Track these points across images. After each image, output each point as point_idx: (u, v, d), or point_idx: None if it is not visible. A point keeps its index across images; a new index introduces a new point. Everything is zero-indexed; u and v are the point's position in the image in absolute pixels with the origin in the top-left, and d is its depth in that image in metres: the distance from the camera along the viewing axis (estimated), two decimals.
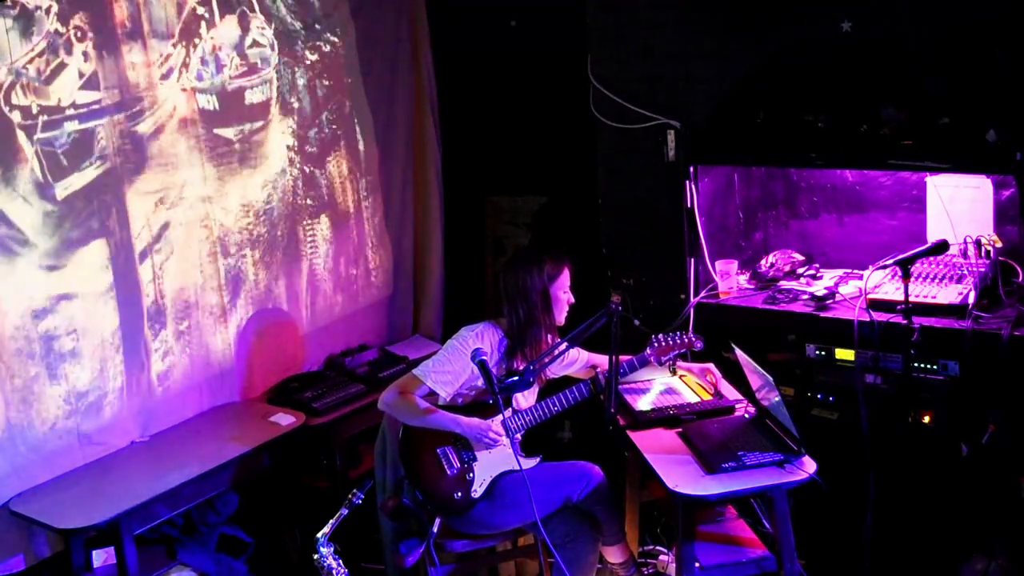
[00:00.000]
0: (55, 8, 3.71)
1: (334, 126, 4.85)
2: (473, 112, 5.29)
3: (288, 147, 4.63)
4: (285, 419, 4.25)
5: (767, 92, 4.17)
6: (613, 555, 3.68)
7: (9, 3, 3.56)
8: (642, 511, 4.05)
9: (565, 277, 3.64)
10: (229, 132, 4.37)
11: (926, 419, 3.64)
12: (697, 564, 3.38)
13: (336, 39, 4.80)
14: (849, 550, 3.76)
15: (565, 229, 5.11)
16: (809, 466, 3.24)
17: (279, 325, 4.68)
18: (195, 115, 4.23)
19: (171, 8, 4.10)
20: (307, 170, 4.73)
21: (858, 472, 3.62)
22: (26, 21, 3.63)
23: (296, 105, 4.65)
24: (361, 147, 5.00)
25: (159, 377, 4.20)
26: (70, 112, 3.79)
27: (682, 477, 3.23)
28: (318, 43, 4.71)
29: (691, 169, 4.08)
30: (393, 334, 5.27)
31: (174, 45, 4.13)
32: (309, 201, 4.76)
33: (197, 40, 4.20)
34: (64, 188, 3.80)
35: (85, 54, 3.81)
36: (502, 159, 5.29)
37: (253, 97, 4.45)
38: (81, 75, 3.81)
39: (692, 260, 4.16)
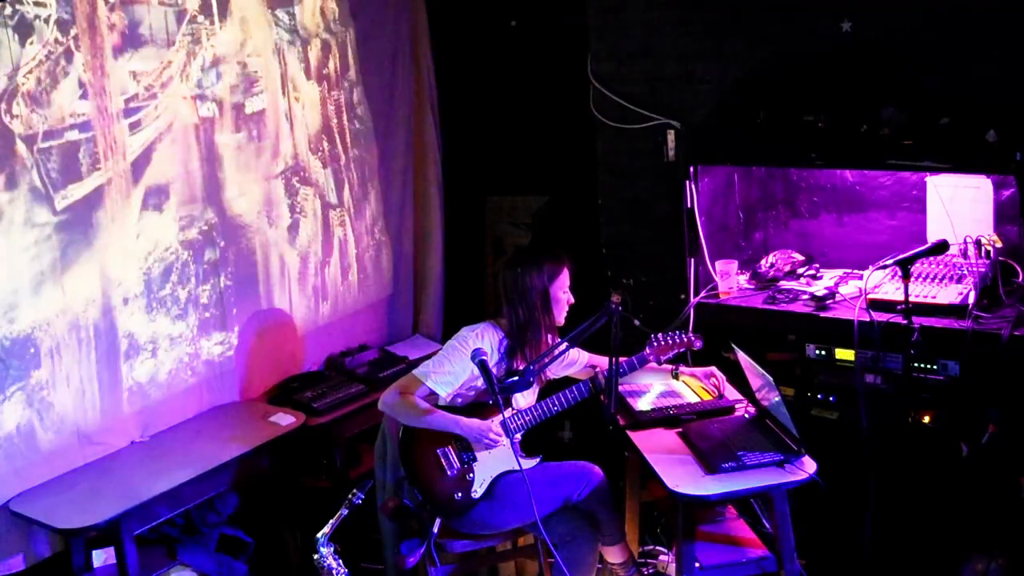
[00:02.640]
0: (55, 17, 3.70)
1: (334, 127, 4.85)
2: (473, 112, 5.29)
3: (288, 150, 4.63)
4: (285, 419, 4.25)
5: (767, 92, 4.17)
6: (613, 555, 3.68)
7: (9, 12, 3.55)
8: (642, 511, 4.05)
9: (564, 277, 3.64)
10: (229, 140, 4.36)
11: (926, 419, 3.64)
12: (697, 564, 3.38)
13: (336, 40, 4.80)
14: (849, 550, 3.76)
15: (565, 229, 5.11)
16: (809, 466, 3.24)
17: (279, 325, 4.68)
18: (196, 123, 4.23)
19: (172, 16, 4.09)
20: (307, 172, 4.73)
21: (858, 472, 3.62)
22: (26, 31, 3.62)
23: (296, 108, 4.64)
24: (361, 147, 5.00)
25: (159, 377, 4.20)
26: (70, 121, 3.78)
27: (682, 477, 3.23)
28: (318, 45, 4.71)
29: (691, 169, 4.08)
30: (393, 334, 5.27)
31: (175, 53, 4.12)
32: (309, 202, 4.76)
33: (197, 48, 4.20)
34: (65, 198, 3.79)
35: (85, 63, 3.81)
36: (502, 159, 5.29)
37: (253, 104, 4.44)
38: (81, 84, 3.80)
39: (692, 260, 4.16)
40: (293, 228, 4.69)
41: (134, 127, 4.00)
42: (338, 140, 4.88)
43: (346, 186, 4.94)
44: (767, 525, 3.60)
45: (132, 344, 4.08)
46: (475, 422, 3.52)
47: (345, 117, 4.89)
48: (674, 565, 3.77)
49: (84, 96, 3.81)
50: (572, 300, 3.68)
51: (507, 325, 3.65)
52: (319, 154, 4.78)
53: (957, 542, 3.63)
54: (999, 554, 3.56)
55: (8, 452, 3.70)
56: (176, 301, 4.22)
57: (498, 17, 5.15)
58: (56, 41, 3.71)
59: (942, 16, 3.81)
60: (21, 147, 3.65)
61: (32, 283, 3.72)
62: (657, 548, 4.16)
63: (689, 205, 4.10)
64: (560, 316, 3.67)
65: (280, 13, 4.53)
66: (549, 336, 3.67)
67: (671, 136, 4.47)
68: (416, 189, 5.33)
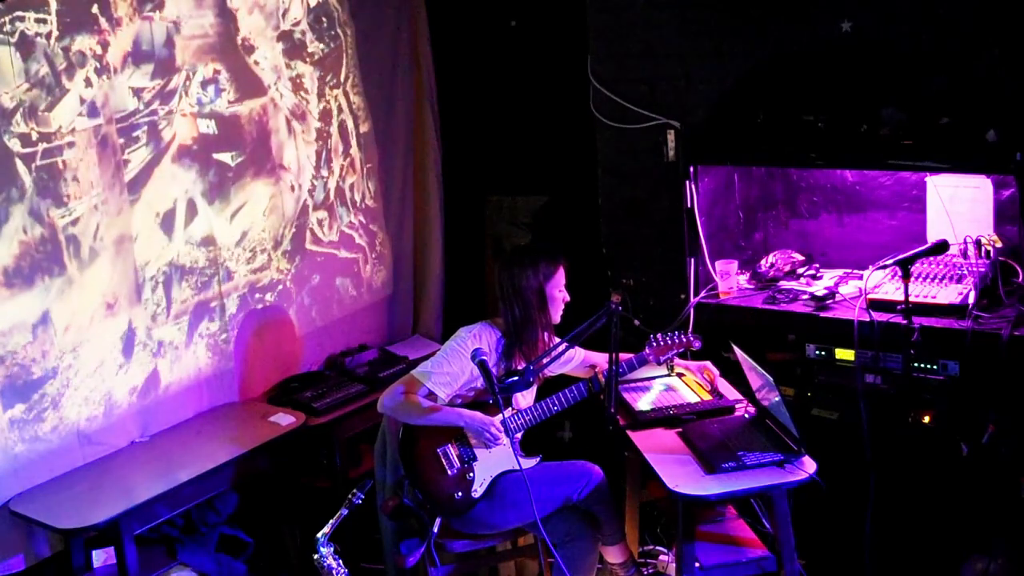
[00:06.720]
0: (56, 34, 3.70)
1: (334, 128, 4.85)
2: (473, 112, 5.29)
3: (289, 154, 4.63)
4: (285, 419, 4.25)
5: (767, 92, 4.17)
6: (613, 555, 3.68)
7: (10, 29, 3.54)
8: (642, 511, 4.06)
9: (560, 275, 3.64)
10: (228, 156, 4.37)
11: (926, 419, 3.64)
12: (697, 564, 3.38)
13: (336, 40, 4.80)
14: (849, 550, 3.76)
15: (565, 229, 5.11)
16: (809, 466, 3.24)
17: (278, 325, 4.68)
18: (195, 138, 4.23)
19: (173, 31, 4.09)
20: (307, 173, 4.73)
21: (858, 472, 3.62)
22: (27, 48, 3.61)
23: (296, 113, 4.64)
24: (361, 147, 5.00)
25: (159, 377, 4.20)
26: (70, 139, 3.78)
27: (682, 477, 3.23)
28: (318, 46, 4.71)
29: (691, 169, 4.08)
30: (393, 334, 5.27)
31: (175, 69, 4.12)
32: (309, 203, 4.76)
33: (198, 62, 4.20)
34: (66, 213, 3.79)
35: (87, 80, 3.80)
36: (502, 159, 5.28)
37: (253, 111, 4.44)
38: (82, 101, 3.80)
39: (692, 260, 4.16)
40: (292, 229, 4.69)
41: (134, 143, 4.00)
42: (338, 141, 4.88)
43: (346, 186, 4.94)
44: (767, 525, 3.60)
45: (132, 345, 4.08)
46: (478, 415, 3.52)
47: (345, 117, 4.89)
48: (674, 565, 3.77)
49: (84, 113, 3.81)
50: (568, 298, 3.68)
51: (504, 324, 3.65)
52: (319, 155, 4.78)
53: (957, 542, 3.63)
54: (999, 554, 3.56)
55: (8, 452, 3.71)
56: (176, 300, 4.22)
57: (498, 17, 5.15)
58: (57, 58, 3.70)
59: (942, 16, 3.81)
60: (19, 165, 3.65)
61: (33, 292, 3.72)
62: (657, 548, 4.16)
63: (689, 205, 4.10)
64: (556, 314, 3.66)
65: (279, 15, 4.53)
66: (546, 335, 3.67)
67: (671, 136, 4.47)
68: (416, 189, 5.33)
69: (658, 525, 4.23)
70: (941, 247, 3.56)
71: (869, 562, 3.72)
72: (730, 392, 3.78)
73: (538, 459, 3.67)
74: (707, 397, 3.75)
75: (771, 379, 3.35)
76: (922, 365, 3.62)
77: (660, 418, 3.61)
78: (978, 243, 3.76)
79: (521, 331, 3.62)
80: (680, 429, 3.54)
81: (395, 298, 5.30)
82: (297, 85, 4.63)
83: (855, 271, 4.11)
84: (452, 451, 3.56)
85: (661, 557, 4.11)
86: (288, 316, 4.72)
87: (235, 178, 4.41)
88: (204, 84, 4.24)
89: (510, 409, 3.60)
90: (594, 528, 3.61)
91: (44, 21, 3.66)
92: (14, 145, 3.63)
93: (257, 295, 4.57)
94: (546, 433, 3.81)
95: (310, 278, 4.81)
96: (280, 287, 4.67)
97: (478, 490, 3.56)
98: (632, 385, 3.86)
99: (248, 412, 4.40)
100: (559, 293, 3.64)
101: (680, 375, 3.91)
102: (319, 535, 3.07)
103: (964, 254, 3.81)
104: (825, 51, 4.05)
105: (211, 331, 4.39)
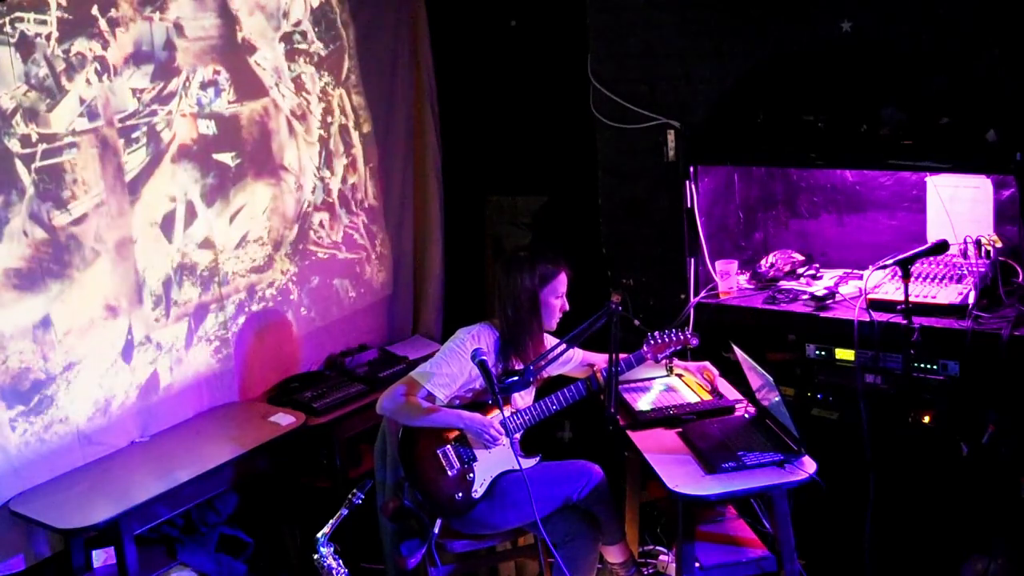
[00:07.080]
0: (56, 35, 3.69)
1: (334, 129, 4.85)
2: (473, 112, 5.29)
3: (290, 157, 4.63)
4: (285, 419, 4.25)
5: (767, 92, 4.17)
6: (613, 555, 3.69)
7: (11, 30, 3.54)
8: (642, 511, 4.06)
9: (559, 283, 3.61)
10: (228, 156, 4.37)
11: (926, 419, 3.64)
12: (697, 564, 3.38)
13: (336, 41, 4.80)
14: (849, 550, 3.76)
15: (565, 229, 5.11)
16: (809, 466, 3.24)
17: (278, 325, 4.68)
18: (195, 141, 4.23)
19: (173, 32, 4.09)
20: (309, 173, 4.73)
21: (858, 472, 3.63)
22: (27, 48, 3.61)
23: (297, 114, 4.64)
24: (361, 147, 5.00)
25: (159, 377, 4.20)
26: (69, 139, 3.78)
27: (682, 477, 3.23)
28: (318, 47, 4.71)
29: (691, 169, 4.08)
30: (393, 334, 5.27)
31: (176, 71, 4.12)
32: (309, 203, 4.76)
33: (198, 65, 4.20)
34: (67, 215, 3.79)
35: (87, 81, 3.80)
36: (502, 159, 5.29)
37: (253, 118, 4.44)
38: (82, 101, 3.80)
39: (692, 260, 4.16)
40: (294, 230, 4.69)
41: (134, 143, 4.00)
42: (339, 141, 4.88)
43: (347, 186, 4.94)
44: (767, 525, 3.60)
45: (133, 346, 4.08)
46: (477, 416, 3.52)
47: (345, 118, 4.89)
48: (674, 565, 3.77)
49: (84, 114, 3.81)
50: (567, 307, 3.65)
51: (499, 325, 3.65)
52: (319, 156, 4.78)
53: (957, 542, 3.63)
54: (999, 554, 3.56)
55: (8, 452, 3.71)
56: (176, 301, 4.23)
57: (498, 17, 5.15)
58: (57, 59, 3.70)
59: (942, 16, 3.81)
60: (19, 166, 3.65)
61: (34, 294, 3.72)
62: (657, 548, 4.16)
63: (689, 205, 4.10)
64: (550, 321, 3.64)
65: (280, 16, 4.53)
66: (538, 339, 3.65)
67: (671, 136, 4.47)
68: (416, 189, 5.33)
69: (658, 525, 4.23)
70: (941, 247, 3.56)
71: (869, 562, 3.72)
72: (730, 392, 3.78)
73: (538, 459, 3.67)
74: (707, 397, 3.75)
75: (771, 379, 3.35)
76: (922, 365, 3.62)
77: (660, 418, 3.61)
78: (978, 243, 3.76)
79: (514, 333, 3.61)
80: (680, 429, 3.54)
81: (395, 298, 5.30)
82: (298, 85, 4.64)
83: (855, 271, 4.11)
84: (452, 452, 3.56)
85: (661, 557, 4.11)
86: (288, 316, 4.72)
87: (235, 179, 4.41)
88: (204, 85, 4.24)
89: (509, 409, 3.60)
90: (594, 528, 3.61)
91: (44, 22, 3.66)
92: (14, 146, 3.63)
93: (257, 296, 4.57)
94: (546, 433, 3.81)
95: (310, 278, 4.81)
96: (280, 287, 4.67)
97: (478, 490, 3.56)
98: (632, 385, 3.86)
99: (248, 412, 4.40)
100: (556, 300, 3.62)
101: (680, 375, 3.91)
102: (319, 535, 3.07)
103: (964, 254, 3.81)
104: (825, 51, 4.05)
105: (211, 332, 4.39)
